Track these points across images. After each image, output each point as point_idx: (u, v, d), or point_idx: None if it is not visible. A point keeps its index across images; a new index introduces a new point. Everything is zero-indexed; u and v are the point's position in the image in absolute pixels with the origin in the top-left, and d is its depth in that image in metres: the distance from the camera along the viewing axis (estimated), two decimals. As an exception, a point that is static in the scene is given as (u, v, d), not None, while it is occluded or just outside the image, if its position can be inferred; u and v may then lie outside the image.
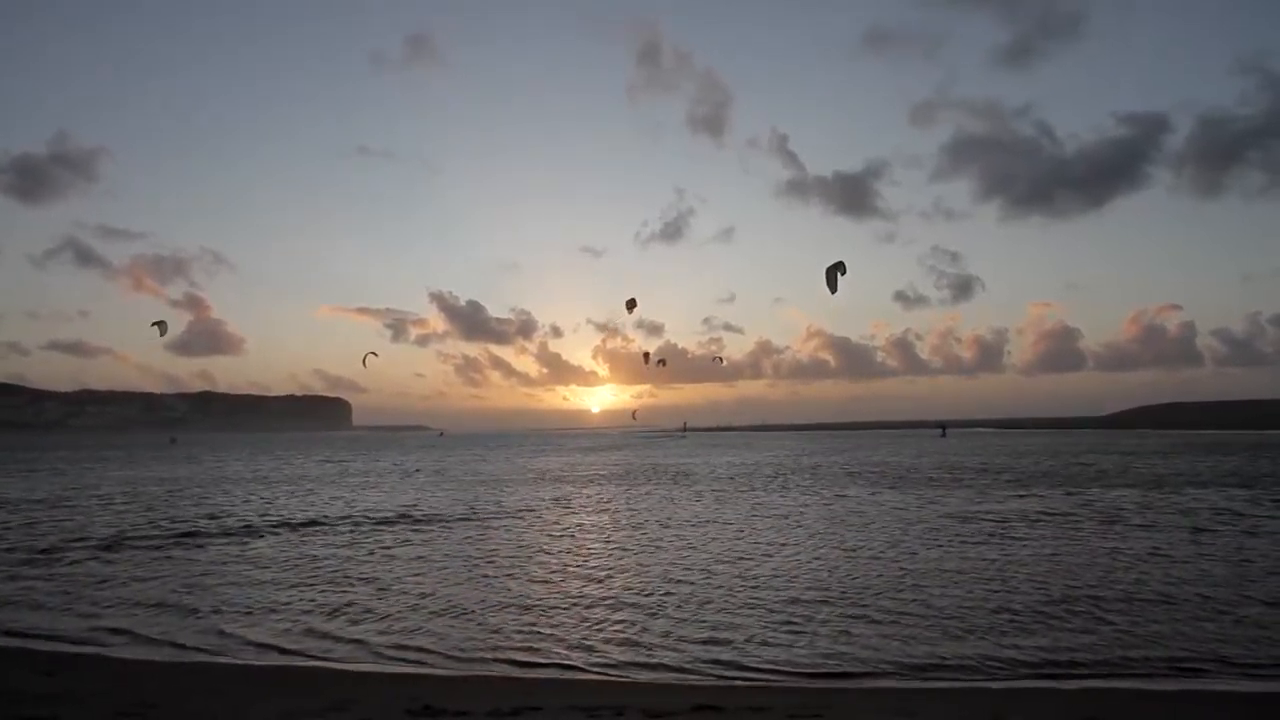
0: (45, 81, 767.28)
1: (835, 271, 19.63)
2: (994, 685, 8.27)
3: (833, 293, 19.52)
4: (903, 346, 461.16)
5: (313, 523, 22.05)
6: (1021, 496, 26.29)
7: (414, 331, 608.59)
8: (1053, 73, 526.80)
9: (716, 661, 9.14)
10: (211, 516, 23.61)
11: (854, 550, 16.07)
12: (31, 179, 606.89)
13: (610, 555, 16.13)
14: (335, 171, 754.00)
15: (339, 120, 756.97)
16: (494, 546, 17.42)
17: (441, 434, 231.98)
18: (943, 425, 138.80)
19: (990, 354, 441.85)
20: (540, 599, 12.27)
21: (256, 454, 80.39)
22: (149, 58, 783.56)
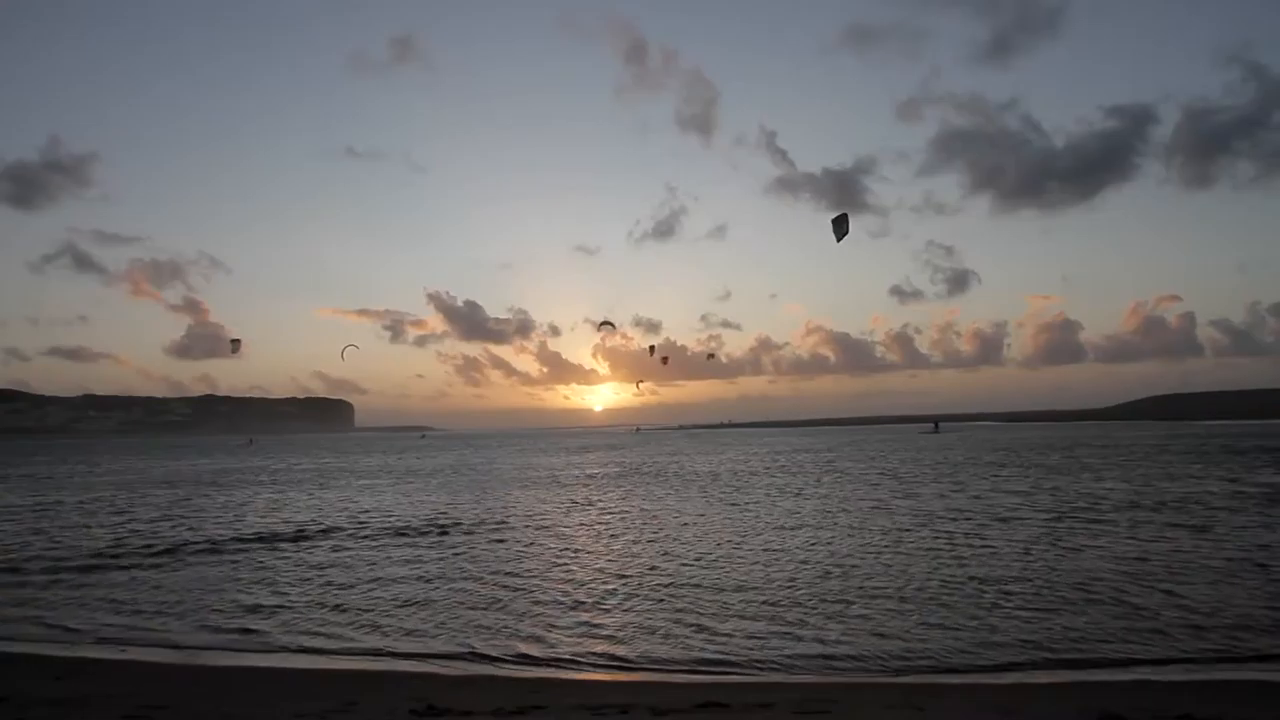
0: (36, 89, 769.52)
1: (840, 223, 20.10)
2: (1001, 680, 8.26)
3: (838, 241, 20.22)
4: (902, 341, 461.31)
5: (318, 529, 22.08)
6: (1004, 492, 26.21)
7: (412, 332, 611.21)
8: (1036, 67, 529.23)
9: (721, 658, 9.13)
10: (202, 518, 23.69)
11: (844, 549, 16.07)
12: (26, 186, 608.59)
13: (603, 553, 16.14)
14: (330, 174, 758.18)
15: (335, 123, 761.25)
16: (490, 548, 17.43)
17: (423, 435, 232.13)
18: (935, 420, 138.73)
19: (990, 347, 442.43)
20: (538, 599, 12.29)
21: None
22: (140, 62, 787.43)
